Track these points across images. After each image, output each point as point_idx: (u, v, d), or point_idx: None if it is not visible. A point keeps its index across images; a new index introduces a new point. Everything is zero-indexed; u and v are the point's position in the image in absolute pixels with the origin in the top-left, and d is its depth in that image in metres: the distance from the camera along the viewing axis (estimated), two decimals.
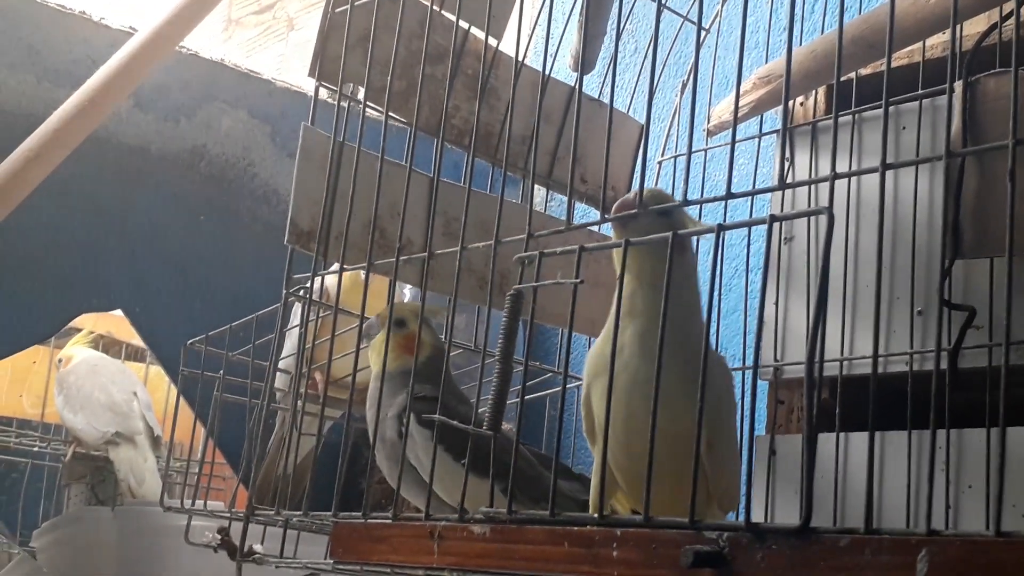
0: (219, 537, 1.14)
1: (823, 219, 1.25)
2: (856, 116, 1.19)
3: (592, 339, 1.36)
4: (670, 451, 0.79)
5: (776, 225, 1.28)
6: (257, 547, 1.18)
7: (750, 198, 1.30)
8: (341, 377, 1.31)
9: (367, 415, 1.09)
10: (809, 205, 1.22)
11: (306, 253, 1.07)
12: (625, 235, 0.85)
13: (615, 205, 0.89)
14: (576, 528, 0.78)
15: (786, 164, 1.26)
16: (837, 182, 1.21)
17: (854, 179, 1.19)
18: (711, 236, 0.76)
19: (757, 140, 1.38)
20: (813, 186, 1.22)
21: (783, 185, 0.76)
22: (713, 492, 0.87)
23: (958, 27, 1.12)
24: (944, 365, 1.03)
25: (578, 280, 0.83)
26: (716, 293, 0.76)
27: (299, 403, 1.19)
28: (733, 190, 0.79)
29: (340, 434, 1.20)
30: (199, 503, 1.25)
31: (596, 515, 0.78)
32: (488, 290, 0.99)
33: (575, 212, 1.43)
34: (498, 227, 0.92)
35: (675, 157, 1.39)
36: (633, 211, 0.87)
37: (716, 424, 0.84)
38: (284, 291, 1.07)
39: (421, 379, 1.01)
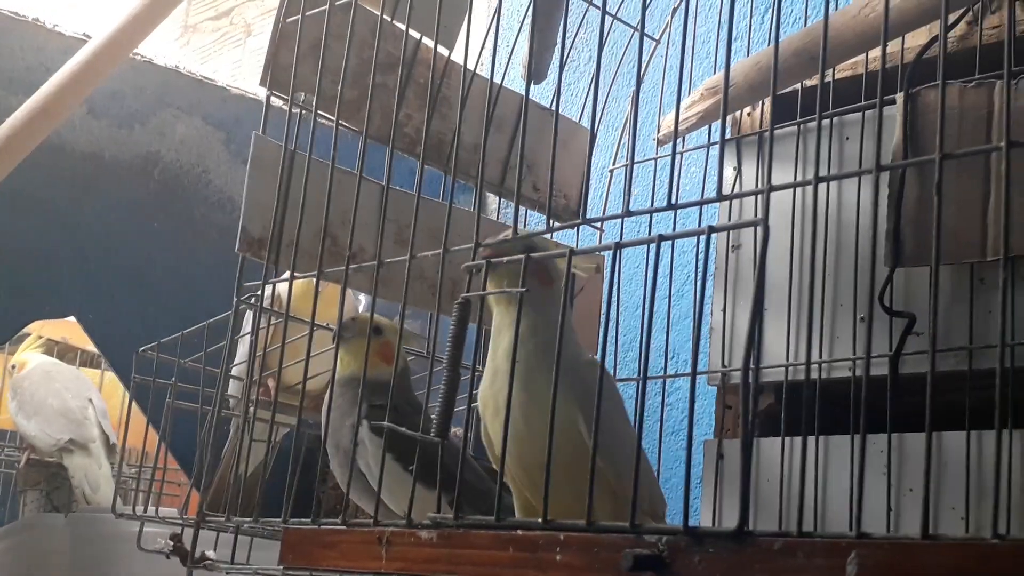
0: (171, 543, 1.14)
1: (771, 233, 1.27)
2: (801, 127, 1.22)
3: None
4: (556, 458, 0.80)
5: (724, 234, 1.31)
6: (210, 553, 1.18)
7: (698, 206, 1.32)
8: (293, 384, 1.32)
9: (322, 419, 1.09)
10: (756, 215, 1.24)
11: (258, 261, 1.08)
12: (495, 279, 0.90)
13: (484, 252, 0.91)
14: (521, 533, 0.80)
15: (734, 173, 1.28)
16: (783, 192, 1.24)
17: (799, 188, 1.21)
18: (657, 245, 0.78)
19: (705, 150, 1.40)
20: (759, 196, 1.24)
21: (719, 197, 0.78)
22: (620, 493, 0.89)
23: (901, 39, 1.16)
24: (881, 371, 1.05)
25: (523, 289, 0.85)
26: (651, 302, 0.78)
27: (251, 410, 1.20)
28: (682, 199, 0.82)
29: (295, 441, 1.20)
30: (152, 509, 1.25)
31: (540, 520, 0.79)
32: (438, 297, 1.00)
33: (529, 221, 1.45)
34: (447, 235, 0.93)
35: (626, 166, 1.40)
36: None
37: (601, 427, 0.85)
38: (235, 298, 1.07)
39: (384, 390, 1.02)
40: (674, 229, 1.43)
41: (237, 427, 1.41)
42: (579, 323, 1.18)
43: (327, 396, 1.06)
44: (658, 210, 0.81)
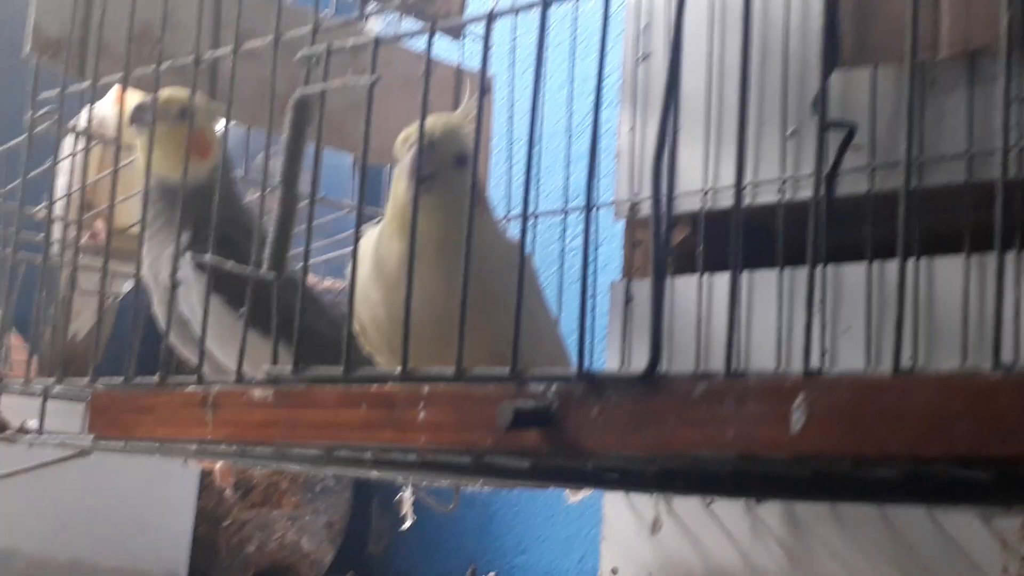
0: None
1: (686, 40, 1.10)
2: None
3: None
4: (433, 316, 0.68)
5: (631, 44, 1.12)
6: (31, 423, 1.00)
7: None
8: (129, 226, 1.12)
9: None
10: (671, 15, 1.06)
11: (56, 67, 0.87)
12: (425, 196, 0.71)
13: (409, 167, 0.72)
14: (375, 387, 0.63)
15: None
16: None
17: None
18: (542, 10, 0.60)
19: None
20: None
21: None
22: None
23: None
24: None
25: (374, 77, 0.66)
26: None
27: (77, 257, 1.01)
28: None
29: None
30: None
31: (399, 371, 0.62)
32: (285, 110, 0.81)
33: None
34: (279, 19, 0.73)
35: None
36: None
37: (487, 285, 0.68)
38: (30, 113, 0.87)
39: (207, 203, 0.81)
40: (575, 38, 1.25)
41: (66, 279, 1.21)
42: None
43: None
44: None
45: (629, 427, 0.53)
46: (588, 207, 0.59)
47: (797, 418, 0.47)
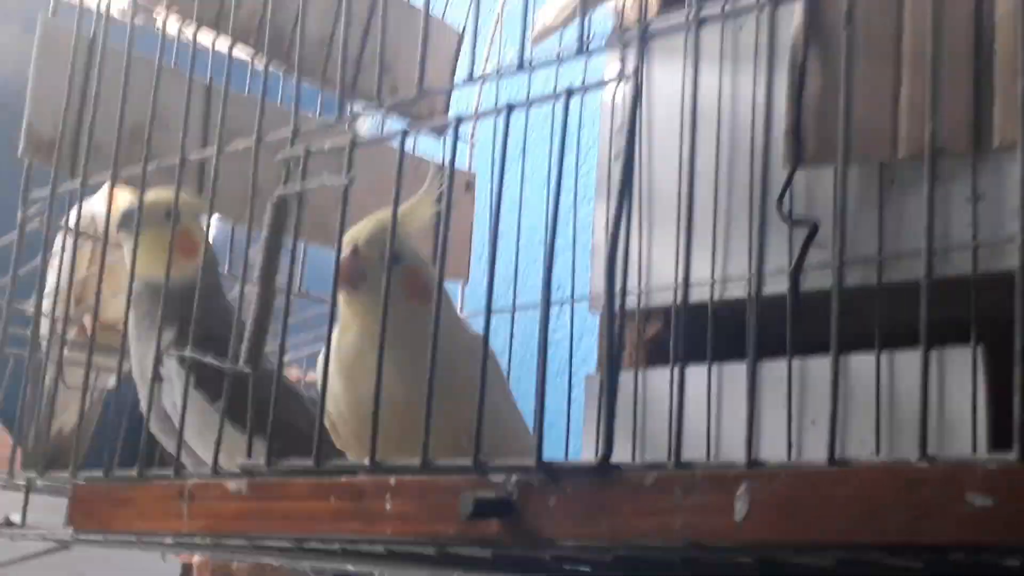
0: None
1: (659, 140, 1.13)
2: (689, 19, 1.07)
3: None
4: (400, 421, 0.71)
5: (606, 143, 1.16)
6: (14, 517, 1.01)
7: (554, 65, 1.17)
8: (115, 322, 1.14)
9: (131, 346, 0.92)
10: (644, 116, 1.10)
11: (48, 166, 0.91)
12: (357, 298, 0.80)
13: (343, 274, 0.78)
14: (344, 479, 0.65)
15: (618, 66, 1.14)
16: (672, 94, 1.10)
17: (688, 90, 1.07)
18: (506, 115, 0.63)
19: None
20: (648, 96, 1.11)
21: (581, 50, 0.63)
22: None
23: None
24: (780, 288, 0.92)
25: (348, 179, 0.69)
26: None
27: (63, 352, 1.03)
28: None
29: (130, 389, 1.03)
30: None
31: (367, 462, 0.64)
32: (264, 208, 0.84)
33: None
34: (260, 123, 0.77)
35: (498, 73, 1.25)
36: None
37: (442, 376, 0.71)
38: (20, 211, 0.90)
39: (190, 298, 0.84)
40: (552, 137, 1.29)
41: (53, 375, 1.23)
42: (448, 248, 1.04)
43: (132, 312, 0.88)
44: (510, 75, 0.66)
45: (585, 516, 0.54)
46: (546, 300, 0.61)
47: (740, 507, 0.49)
